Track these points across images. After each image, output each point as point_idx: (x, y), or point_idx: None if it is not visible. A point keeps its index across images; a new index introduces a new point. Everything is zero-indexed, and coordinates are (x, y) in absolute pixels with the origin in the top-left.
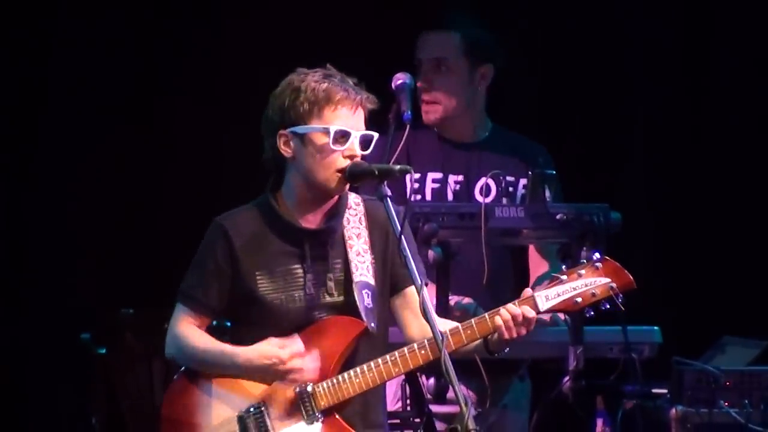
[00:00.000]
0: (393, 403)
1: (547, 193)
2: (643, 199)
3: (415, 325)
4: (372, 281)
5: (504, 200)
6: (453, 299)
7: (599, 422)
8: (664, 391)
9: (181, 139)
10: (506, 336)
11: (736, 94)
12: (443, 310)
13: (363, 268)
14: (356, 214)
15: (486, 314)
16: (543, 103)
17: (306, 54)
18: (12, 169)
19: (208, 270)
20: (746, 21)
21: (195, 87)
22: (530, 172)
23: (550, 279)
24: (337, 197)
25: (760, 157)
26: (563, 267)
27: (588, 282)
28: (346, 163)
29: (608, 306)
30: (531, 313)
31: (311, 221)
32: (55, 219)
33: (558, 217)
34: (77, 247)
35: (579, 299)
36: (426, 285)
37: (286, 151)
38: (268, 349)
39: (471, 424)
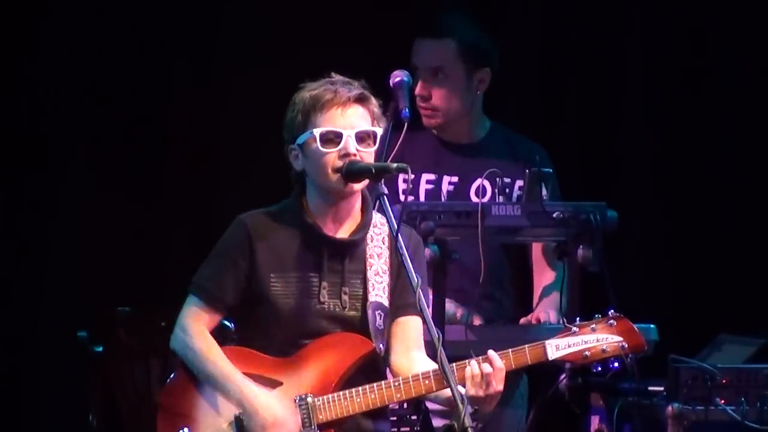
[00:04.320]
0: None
1: (544, 192)
2: (640, 198)
3: (401, 356)
4: (386, 303)
5: (500, 198)
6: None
7: (595, 420)
8: (661, 388)
9: (178, 138)
10: (470, 392)
11: (734, 93)
12: (439, 309)
13: (379, 288)
14: (380, 234)
15: (455, 364)
16: (541, 101)
17: (305, 53)
18: (9, 169)
19: (224, 264)
20: (748, 20)
21: (193, 88)
22: (527, 171)
23: (562, 329)
24: (360, 211)
25: (757, 154)
26: (577, 319)
27: (600, 338)
28: (342, 162)
29: (617, 365)
30: (488, 369)
31: (332, 230)
32: (52, 218)
33: (555, 215)
34: (74, 245)
35: (588, 353)
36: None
37: (296, 164)
38: (267, 409)
39: (467, 422)
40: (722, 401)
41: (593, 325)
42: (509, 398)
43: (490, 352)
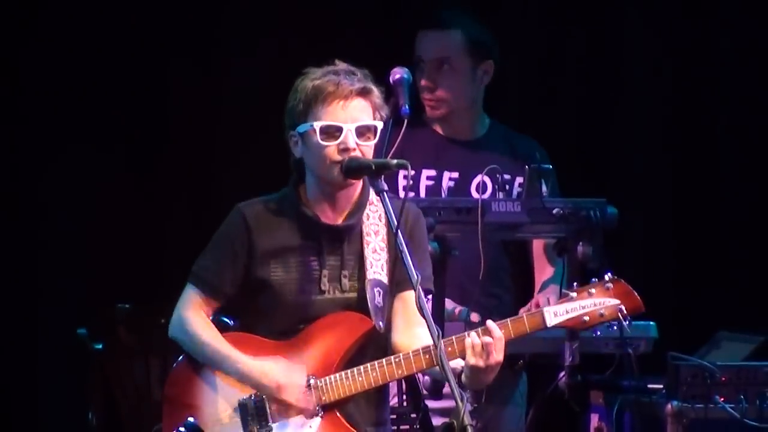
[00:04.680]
0: (390, 399)
1: (544, 188)
2: (640, 195)
3: (403, 333)
4: (385, 279)
5: (500, 195)
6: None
7: (595, 417)
8: (660, 386)
9: (176, 135)
10: (470, 362)
11: (734, 90)
12: (439, 306)
13: (377, 265)
14: (376, 211)
15: (454, 337)
16: (540, 98)
17: (305, 50)
18: (7, 167)
19: (223, 254)
20: (749, 18)
21: (189, 85)
22: (527, 167)
23: (560, 295)
24: (357, 194)
25: (758, 152)
26: (575, 284)
27: (597, 302)
28: (342, 156)
29: (615, 328)
30: (488, 340)
31: (330, 217)
32: (51, 215)
33: (555, 211)
34: (74, 243)
35: (587, 318)
36: (429, 295)
37: (296, 151)
38: (272, 372)
39: (467, 420)
40: (722, 399)
41: (590, 289)
42: (509, 397)
43: (489, 323)
